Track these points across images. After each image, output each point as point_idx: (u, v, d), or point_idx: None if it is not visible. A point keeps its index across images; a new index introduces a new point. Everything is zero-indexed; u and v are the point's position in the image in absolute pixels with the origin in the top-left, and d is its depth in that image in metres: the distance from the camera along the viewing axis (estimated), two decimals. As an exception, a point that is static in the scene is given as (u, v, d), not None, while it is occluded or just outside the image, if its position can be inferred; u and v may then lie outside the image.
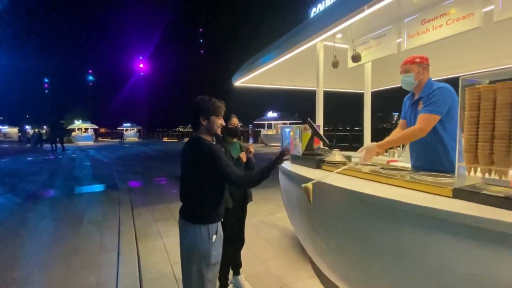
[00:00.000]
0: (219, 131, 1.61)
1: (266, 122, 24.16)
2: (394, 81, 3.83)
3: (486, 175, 1.18)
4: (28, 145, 23.16)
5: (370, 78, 3.33)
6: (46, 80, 53.23)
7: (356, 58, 2.64)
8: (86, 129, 31.75)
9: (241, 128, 2.45)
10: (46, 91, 54.27)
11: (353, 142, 14.28)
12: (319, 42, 2.90)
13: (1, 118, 48.84)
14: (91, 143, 28.10)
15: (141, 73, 41.76)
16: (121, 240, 3.30)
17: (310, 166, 2.22)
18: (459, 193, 1.19)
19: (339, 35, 2.83)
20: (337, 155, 2.14)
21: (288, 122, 21.04)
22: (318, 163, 2.17)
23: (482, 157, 1.15)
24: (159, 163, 11.65)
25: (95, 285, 2.39)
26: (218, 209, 1.52)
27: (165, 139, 35.41)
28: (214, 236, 1.48)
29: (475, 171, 1.24)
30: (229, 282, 2.29)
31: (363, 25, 2.67)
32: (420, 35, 2.28)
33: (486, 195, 1.10)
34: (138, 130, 41.32)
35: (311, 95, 3.22)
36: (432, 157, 1.81)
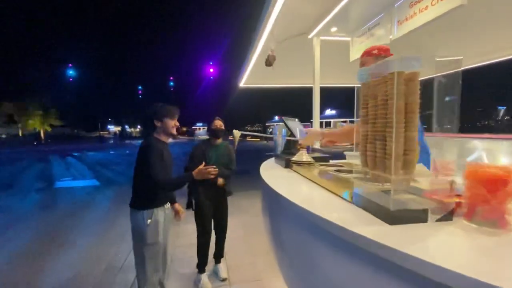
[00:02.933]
0: (173, 131, 1.85)
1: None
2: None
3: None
4: (127, 141, 28.89)
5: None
6: (139, 87, 64.22)
7: (269, 60, 2.44)
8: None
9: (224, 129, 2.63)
10: (140, 96, 65.29)
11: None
12: (315, 37, 2.80)
13: (110, 119, 61.93)
14: (170, 140, 32.54)
15: (211, 77, 45.65)
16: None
17: (281, 165, 2.23)
18: (355, 198, 1.11)
19: (333, 29, 2.67)
20: (304, 155, 2.09)
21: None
22: (287, 163, 2.16)
23: (369, 159, 1.04)
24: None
25: (113, 254, 2.97)
26: (152, 197, 1.74)
27: (230, 138, 37.92)
28: (149, 220, 1.71)
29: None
30: (206, 269, 2.49)
31: (358, 15, 2.47)
32: (408, 20, 1.98)
33: (365, 200, 1.01)
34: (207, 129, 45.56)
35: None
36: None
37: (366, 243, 0.77)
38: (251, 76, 3.91)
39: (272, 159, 2.56)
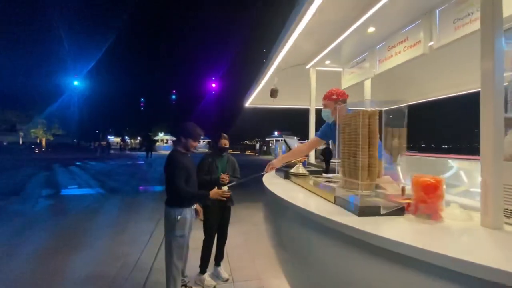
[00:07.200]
0: (192, 149, 2.24)
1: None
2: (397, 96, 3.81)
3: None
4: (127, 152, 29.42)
5: (370, 95, 3.41)
6: (142, 99, 65.47)
7: (273, 93, 2.89)
8: (167, 140, 37.50)
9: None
10: (142, 108, 66.33)
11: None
12: (311, 68, 3.26)
13: (110, 130, 62.80)
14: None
15: (213, 92, 46.70)
16: (156, 227, 4.21)
17: (281, 177, 2.60)
18: (337, 200, 1.47)
19: (327, 61, 3.14)
20: (300, 168, 2.47)
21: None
22: (286, 174, 2.53)
23: (346, 170, 1.42)
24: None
25: (126, 254, 3.26)
26: (182, 199, 2.11)
27: (230, 152, 38.53)
28: (179, 217, 2.07)
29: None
30: (207, 270, 2.72)
31: (348, 52, 2.94)
32: (387, 60, 2.43)
33: (344, 200, 1.38)
34: (208, 142, 46.04)
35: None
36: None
37: (344, 228, 1.12)
38: (257, 98, 4.37)
39: (273, 172, 2.92)
